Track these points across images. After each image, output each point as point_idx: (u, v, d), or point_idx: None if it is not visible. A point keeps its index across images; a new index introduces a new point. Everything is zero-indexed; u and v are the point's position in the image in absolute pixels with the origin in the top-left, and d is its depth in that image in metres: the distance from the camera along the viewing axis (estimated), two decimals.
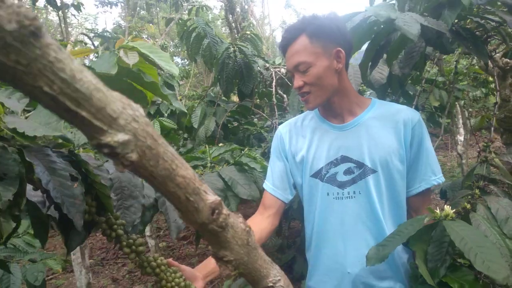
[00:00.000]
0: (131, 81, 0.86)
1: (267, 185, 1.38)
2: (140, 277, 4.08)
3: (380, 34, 1.50)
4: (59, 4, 4.10)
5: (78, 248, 2.48)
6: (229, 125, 3.51)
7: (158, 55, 0.99)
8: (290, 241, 3.33)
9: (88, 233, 1.01)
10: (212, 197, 0.61)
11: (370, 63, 1.56)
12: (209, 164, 1.89)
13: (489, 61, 2.10)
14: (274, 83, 2.95)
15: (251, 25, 8.34)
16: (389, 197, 1.24)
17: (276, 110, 2.77)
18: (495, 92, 1.73)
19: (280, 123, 2.91)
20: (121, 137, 0.43)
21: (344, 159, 1.25)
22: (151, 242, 4.45)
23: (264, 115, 3.03)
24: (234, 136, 3.62)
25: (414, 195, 1.27)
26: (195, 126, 3.25)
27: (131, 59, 0.91)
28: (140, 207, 1.06)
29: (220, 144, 3.00)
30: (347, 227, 1.25)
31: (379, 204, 1.23)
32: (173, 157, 0.52)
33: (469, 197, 1.26)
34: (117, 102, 0.43)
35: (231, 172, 1.74)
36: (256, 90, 3.22)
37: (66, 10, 4.63)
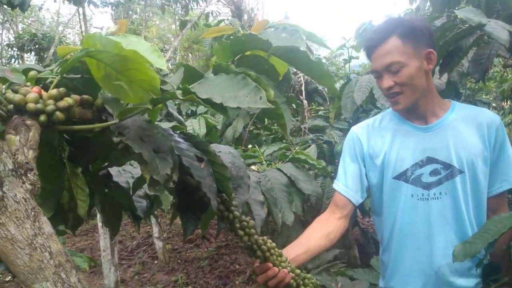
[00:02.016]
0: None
1: (338, 186, 1.38)
2: (150, 278, 4.01)
3: (450, 39, 1.53)
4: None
5: (108, 244, 2.44)
6: (251, 127, 3.52)
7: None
8: None
9: (199, 218, 1.00)
10: None
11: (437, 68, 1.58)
12: (264, 162, 1.88)
13: None
14: (303, 87, 2.97)
15: None
16: (473, 198, 1.26)
17: (306, 114, 2.79)
18: None
19: (310, 128, 2.93)
20: None
21: (430, 160, 1.26)
22: (158, 244, 4.39)
23: (293, 119, 3.04)
24: (254, 140, 3.62)
25: (494, 196, 1.28)
26: (219, 127, 3.24)
27: None
28: (247, 188, 1.04)
29: (250, 146, 3.00)
30: (433, 227, 1.25)
31: (464, 205, 1.24)
32: None
33: None
34: None
35: (290, 169, 1.73)
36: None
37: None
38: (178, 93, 0.65)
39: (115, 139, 0.70)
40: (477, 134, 1.25)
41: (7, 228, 0.52)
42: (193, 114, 3.61)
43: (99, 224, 2.65)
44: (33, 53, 8.13)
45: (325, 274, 1.32)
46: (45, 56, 7.49)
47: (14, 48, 8.47)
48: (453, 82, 1.79)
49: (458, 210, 1.25)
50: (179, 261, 4.45)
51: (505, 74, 4.11)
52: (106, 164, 1.11)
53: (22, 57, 8.49)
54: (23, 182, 0.54)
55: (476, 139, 1.25)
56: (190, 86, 0.68)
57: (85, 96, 0.71)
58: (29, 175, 0.55)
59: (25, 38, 7.93)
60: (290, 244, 1.26)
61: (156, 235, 4.35)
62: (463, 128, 1.26)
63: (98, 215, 2.41)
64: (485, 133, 1.25)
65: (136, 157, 0.73)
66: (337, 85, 3.78)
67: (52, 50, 7.07)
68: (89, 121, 0.72)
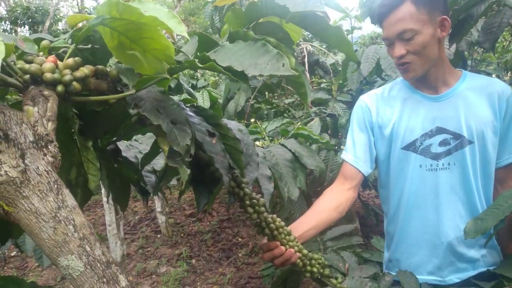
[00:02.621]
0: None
1: (347, 156, 1.37)
2: (153, 252, 4.06)
3: (462, 7, 1.49)
4: None
5: (114, 219, 2.45)
6: (253, 101, 3.49)
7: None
8: None
9: (212, 192, 0.99)
10: None
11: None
12: (267, 138, 1.87)
13: None
14: (306, 59, 2.93)
15: None
16: (482, 169, 1.25)
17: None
18: None
19: (312, 101, 2.91)
20: None
21: (440, 130, 1.25)
22: (161, 218, 4.43)
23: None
24: (254, 114, 3.60)
25: (502, 167, 1.28)
26: (220, 101, 3.21)
27: None
28: (256, 166, 1.04)
29: (252, 120, 2.98)
30: (441, 198, 1.25)
31: (472, 175, 1.24)
32: None
33: None
34: None
35: (293, 145, 1.73)
36: None
37: None
38: (197, 61, 0.63)
39: (132, 111, 0.68)
40: (488, 104, 1.24)
41: (31, 201, 0.51)
42: (193, 88, 3.58)
43: (104, 199, 2.66)
44: (26, 27, 7.96)
45: (333, 253, 1.33)
46: (40, 30, 7.34)
47: (7, 22, 8.29)
48: (461, 51, 1.76)
49: (466, 181, 1.25)
50: (182, 235, 4.50)
51: (509, 44, 4.07)
52: (114, 138, 1.10)
53: (15, 31, 8.33)
54: (45, 155, 0.53)
55: (487, 109, 1.24)
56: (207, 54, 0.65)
57: (100, 66, 0.69)
58: (49, 147, 0.53)
59: (18, 12, 7.75)
60: (299, 219, 1.26)
61: (158, 209, 4.37)
62: (473, 98, 1.25)
63: (103, 190, 2.41)
64: (496, 104, 1.23)
65: (153, 129, 0.72)
66: (339, 58, 3.74)
67: (47, 24, 6.92)
68: (103, 93, 0.70)
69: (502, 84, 1.27)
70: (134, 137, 1.39)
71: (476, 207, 1.25)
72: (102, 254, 0.57)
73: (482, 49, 2.71)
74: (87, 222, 0.56)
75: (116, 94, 0.69)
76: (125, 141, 1.30)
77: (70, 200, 0.55)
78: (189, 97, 0.98)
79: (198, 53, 0.68)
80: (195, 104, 0.98)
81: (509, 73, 4.00)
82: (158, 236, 4.47)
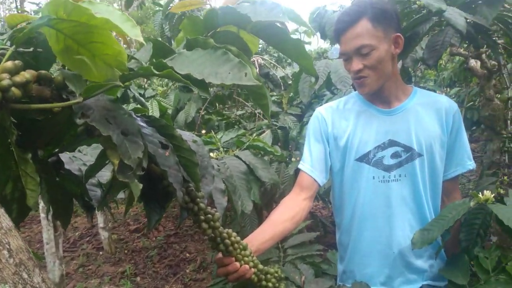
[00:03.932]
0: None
1: (304, 166, 1.37)
2: (95, 270, 3.84)
3: (409, 25, 1.55)
4: None
5: (52, 236, 2.28)
6: (203, 112, 3.44)
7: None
8: None
9: (164, 208, 0.94)
10: None
11: None
12: (221, 149, 1.83)
13: (473, 62, 2.27)
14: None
15: None
16: (431, 181, 1.30)
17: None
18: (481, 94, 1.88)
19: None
20: None
21: (392, 143, 1.28)
22: (104, 234, 4.22)
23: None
24: (205, 125, 3.56)
25: (448, 179, 1.34)
26: (169, 112, 3.14)
27: None
28: (212, 178, 0.99)
29: (203, 131, 2.93)
30: (393, 209, 1.28)
31: (422, 187, 1.29)
32: None
33: (498, 183, 1.36)
34: None
35: (248, 156, 1.70)
36: None
37: None
38: (152, 68, 0.58)
39: (79, 121, 0.62)
40: (436, 119, 1.29)
41: None
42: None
43: (42, 215, 2.47)
44: None
45: (291, 265, 1.31)
46: None
47: None
48: (406, 68, 1.83)
49: (416, 192, 1.29)
50: (126, 251, 4.30)
51: (446, 63, 4.33)
52: (57, 150, 1.01)
53: None
54: None
55: (435, 124, 1.29)
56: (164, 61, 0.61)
57: (43, 72, 0.62)
58: None
59: None
60: (255, 231, 1.24)
61: (101, 225, 4.16)
62: (423, 113, 1.30)
63: (41, 206, 2.24)
64: (443, 119, 1.29)
65: (102, 141, 0.66)
66: (288, 71, 3.80)
67: None
68: (46, 100, 0.64)
69: (449, 101, 1.34)
70: (78, 148, 1.30)
71: (426, 217, 1.29)
72: (42, 282, 0.50)
73: (423, 67, 2.86)
74: (24, 245, 0.50)
75: (61, 102, 0.63)
76: (68, 153, 1.21)
77: (5, 221, 0.48)
78: (140, 107, 0.92)
79: (154, 60, 0.64)
80: (146, 114, 0.92)
81: (448, 89, 4.27)
82: (100, 253, 4.24)
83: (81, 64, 0.65)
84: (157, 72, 0.58)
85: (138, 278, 3.72)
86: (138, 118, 0.85)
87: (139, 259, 4.11)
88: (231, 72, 0.58)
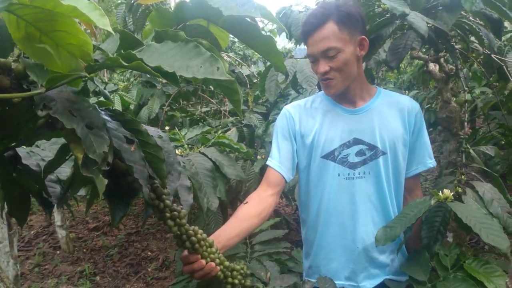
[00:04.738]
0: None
1: (272, 162, 1.37)
2: (52, 270, 3.70)
3: (373, 28, 1.59)
4: None
5: (6, 235, 2.16)
6: (166, 109, 3.38)
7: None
8: None
9: (129, 204, 0.91)
10: None
11: None
12: (186, 145, 1.81)
13: (432, 65, 2.36)
14: None
15: None
16: (394, 178, 1.34)
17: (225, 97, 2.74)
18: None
19: (229, 111, 2.90)
20: None
21: (357, 141, 1.31)
22: (61, 233, 4.08)
23: (213, 102, 2.97)
24: (168, 122, 3.50)
25: (410, 177, 1.39)
26: (131, 107, 3.06)
27: None
28: (178, 175, 0.97)
29: (166, 128, 2.88)
30: (357, 205, 1.31)
31: (386, 184, 1.32)
32: None
33: (456, 182, 1.42)
34: None
35: (214, 153, 1.69)
36: None
37: None
38: (121, 59, 0.56)
39: (40, 113, 0.59)
40: (399, 118, 1.33)
41: None
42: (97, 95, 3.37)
43: None
44: None
45: (256, 262, 1.31)
46: None
47: None
48: (369, 69, 1.88)
49: (380, 189, 1.32)
50: (84, 250, 4.17)
51: (406, 66, 4.49)
52: (14, 144, 0.96)
53: None
54: None
55: (398, 123, 1.33)
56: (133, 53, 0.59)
57: (2, 60, 0.59)
58: None
59: None
60: (222, 227, 1.23)
61: (58, 223, 4.00)
62: (387, 113, 1.33)
63: None
64: (406, 118, 1.34)
65: (65, 134, 0.63)
66: (253, 69, 3.80)
67: None
68: (5, 90, 0.60)
69: (412, 102, 1.38)
70: (36, 143, 1.25)
71: (389, 214, 1.33)
72: (0, 281, 0.48)
73: (384, 69, 2.94)
74: None
75: (21, 92, 0.60)
76: (26, 147, 1.15)
77: None
78: (104, 100, 0.89)
79: (122, 51, 0.61)
80: (110, 107, 0.89)
81: (406, 91, 4.41)
82: (57, 252, 4.09)
83: (44, 53, 0.62)
84: (125, 64, 0.56)
85: (98, 278, 3.62)
86: (103, 112, 0.83)
87: (99, 258, 4.00)
88: (202, 66, 0.57)
